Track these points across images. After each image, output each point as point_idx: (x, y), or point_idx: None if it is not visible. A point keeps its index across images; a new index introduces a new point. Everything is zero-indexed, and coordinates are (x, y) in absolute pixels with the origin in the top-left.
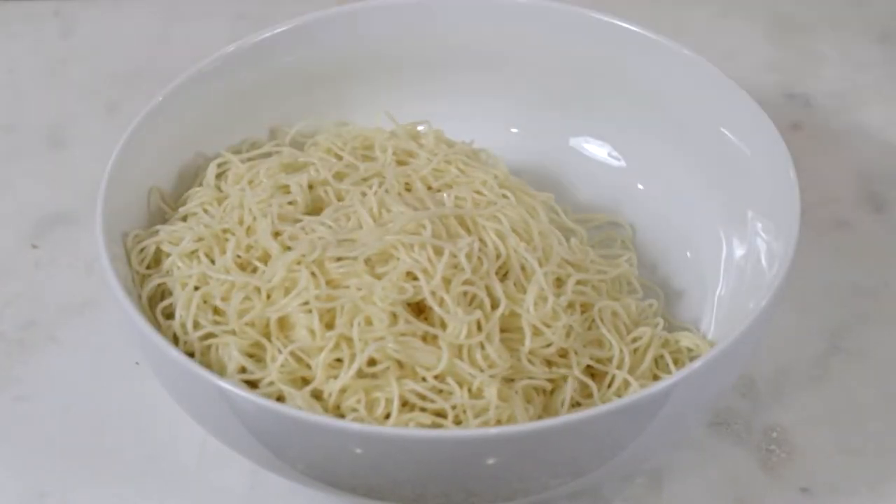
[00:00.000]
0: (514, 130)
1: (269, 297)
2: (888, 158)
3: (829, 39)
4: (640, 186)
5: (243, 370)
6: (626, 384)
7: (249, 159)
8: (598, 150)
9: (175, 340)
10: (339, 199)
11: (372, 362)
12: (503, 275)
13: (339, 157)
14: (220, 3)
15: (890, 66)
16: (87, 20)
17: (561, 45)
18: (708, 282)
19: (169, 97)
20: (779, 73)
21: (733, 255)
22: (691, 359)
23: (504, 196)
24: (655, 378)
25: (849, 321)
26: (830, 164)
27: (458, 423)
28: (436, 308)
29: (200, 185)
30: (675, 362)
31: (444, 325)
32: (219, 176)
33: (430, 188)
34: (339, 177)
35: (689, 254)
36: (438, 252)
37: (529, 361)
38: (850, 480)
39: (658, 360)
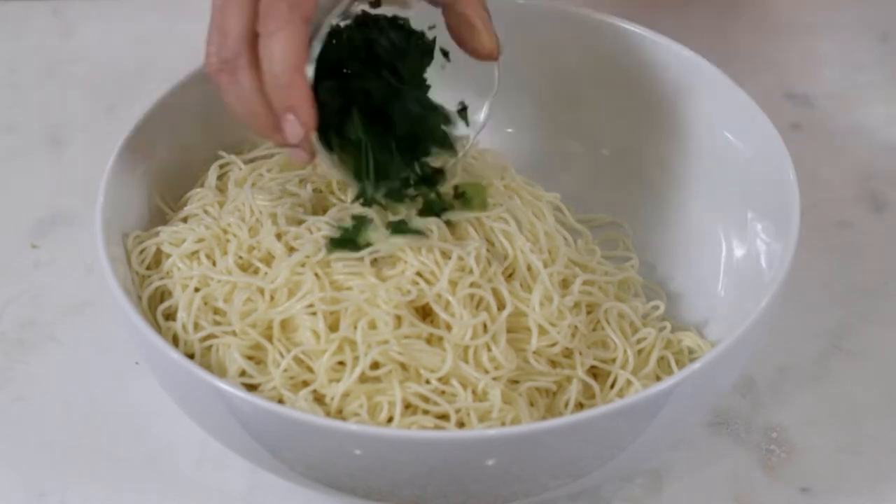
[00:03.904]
0: (512, 131)
1: (272, 298)
2: (888, 158)
3: (829, 39)
4: (639, 187)
5: (244, 373)
6: (629, 384)
7: (250, 160)
8: (597, 150)
9: (175, 342)
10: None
11: (375, 365)
12: (509, 275)
13: None
14: None
15: (890, 66)
16: (87, 20)
17: (560, 45)
18: (708, 282)
19: (169, 97)
20: (779, 73)
21: (733, 256)
22: (692, 359)
23: (509, 198)
24: (658, 379)
25: (849, 321)
26: (830, 164)
27: (461, 425)
28: (441, 313)
29: (201, 186)
30: (677, 363)
31: (449, 328)
32: (220, 177)
33: None
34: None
35: (689, 254)
36: (446, 255)
37: (534, 361)
38: (850, 480)
39: (660, 361)
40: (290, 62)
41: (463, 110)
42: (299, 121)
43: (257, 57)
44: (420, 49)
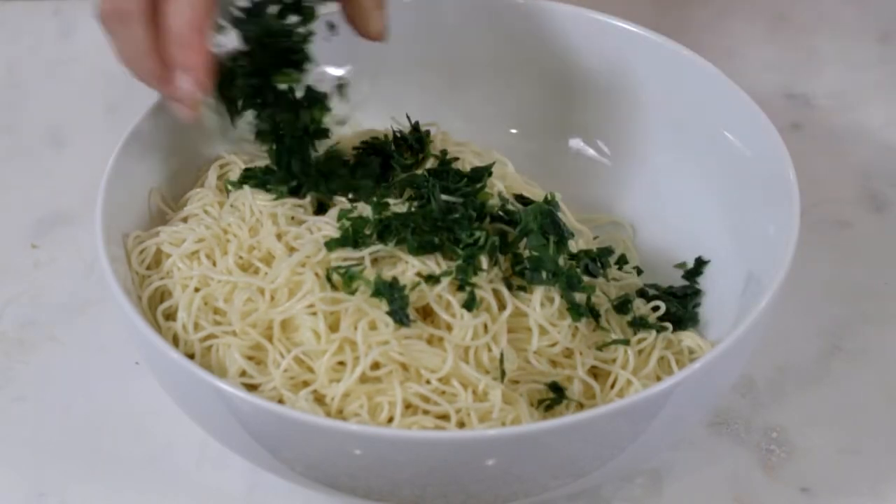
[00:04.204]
0: (513, 131)
1: (272, 298)
2: (888, 158)
3: (829, 39)
4: (640, 187)
5: (244, 374)
6: (629, 384)
7: (250, 160)
8: (597, 150)
9: (175, 342)
10: None
11: (376, 366)
12: (510, 275)
13: None
14: None
15: (890, 66)
16: (87, 20)
17: (561, 45)
18: (708, 282)
19: None
20: (779, 73)
21: (733, 256)
22: (692, 359)
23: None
24: (658, 379)
25: (849, 321)
26: (830, 164)
27: (461, 426)
28: (442, 313)
29: (201, 186)
30: (677, 363)
31: (450, 328)
32: (220, 177)
33: None
34: None
35: (689, 254)
36: (448, 255)
37: (535, 361)
38: (850, 480)
39: (660, 361)
40: (193, 23)
41: (341, 86)
42: (194, 81)
43: (153, 10)
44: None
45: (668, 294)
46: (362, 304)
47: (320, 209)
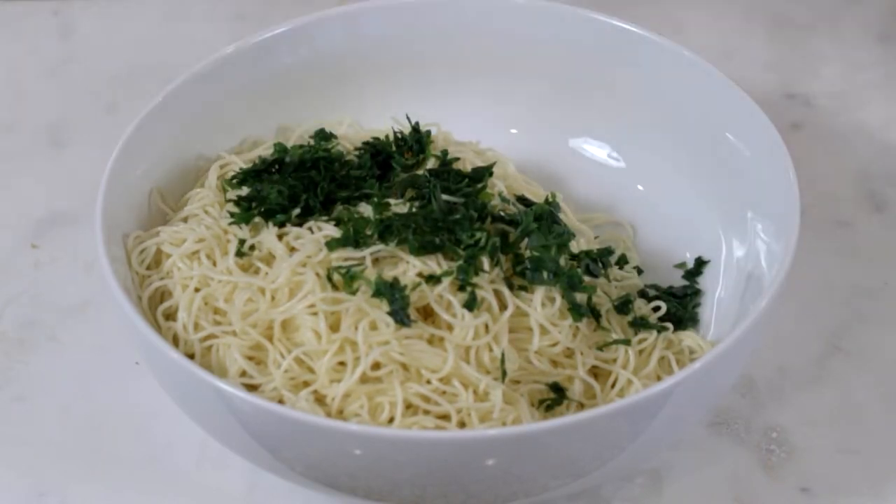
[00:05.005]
0: (513, 131)
1: (273, 298)
2: (888, 158)
3: (829, 39)
4: (639, 187)
5: (245, 374)
6: (629, 384)
7: (250, 160)
8: (597, 150)
9: (175, 342)
10: None
11: (376, 366)
12: (511, 275)
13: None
14: (220, 3)
15: (890, 66)
16: (87, 20)
17: (561, 45)
18: (708, 282)
19: (169, 97)
20: (779, 73)
21: (733, 256)
22: (692, 359)
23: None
24: (658, 379)
25: (849, 321)
26: (830, 164)
27: (462, 426)
28: (442, 313)
29: (201, 186)
30: (677, 363)
31: (451, 328)
32: (220, 177)
33: None
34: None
35: (688, 254)
36: (448, 256)
37: (536, 361)
38: (850, 480)
39: (660, 361)
40: None
41: None
42: None
43: None
44: None
45: (668, 294)
46: (363, 305)
47: (324, 206)
